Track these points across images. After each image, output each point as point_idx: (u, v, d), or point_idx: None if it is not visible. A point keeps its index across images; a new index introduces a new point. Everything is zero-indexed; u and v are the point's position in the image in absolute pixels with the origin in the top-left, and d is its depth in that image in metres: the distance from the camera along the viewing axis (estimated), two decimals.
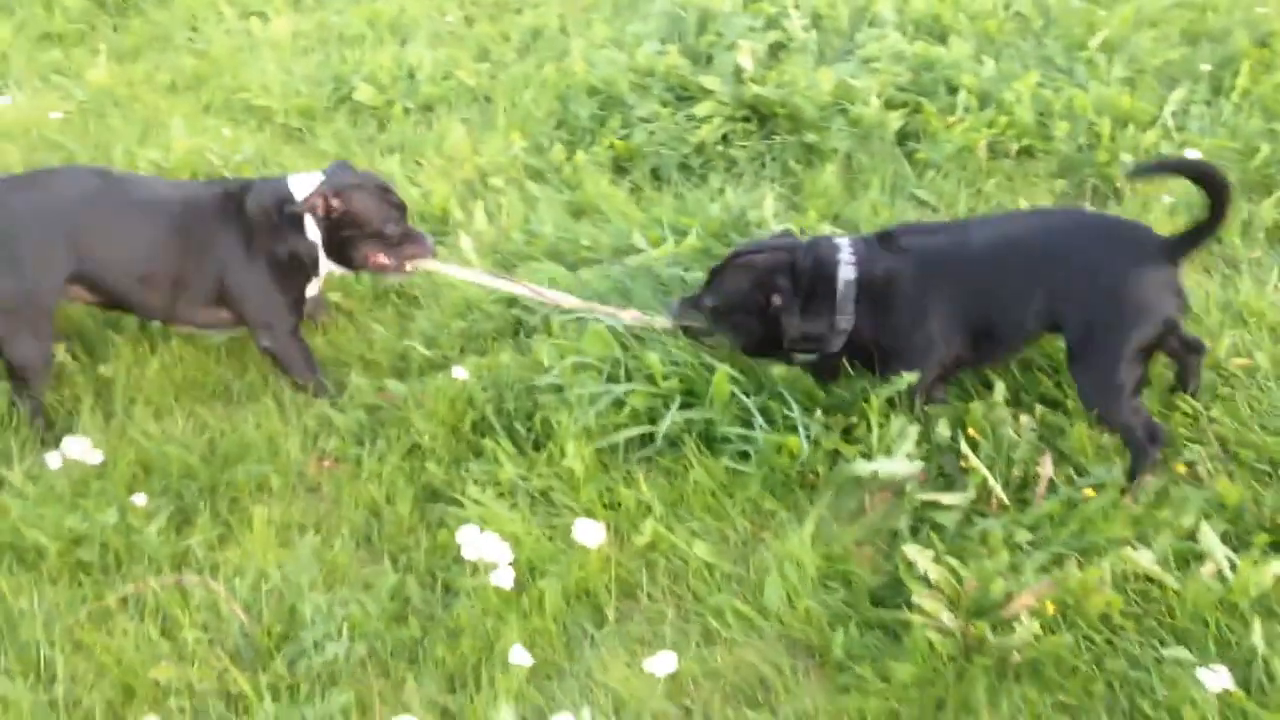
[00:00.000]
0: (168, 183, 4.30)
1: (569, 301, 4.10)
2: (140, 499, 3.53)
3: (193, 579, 3.33)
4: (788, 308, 3.73)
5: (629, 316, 4.00)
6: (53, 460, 3.62)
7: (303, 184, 3.94)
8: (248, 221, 3.92)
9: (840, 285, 3.71)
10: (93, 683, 3.09)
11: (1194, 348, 3.81)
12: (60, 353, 4.05)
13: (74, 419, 3.89)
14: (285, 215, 3.89)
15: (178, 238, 3.91)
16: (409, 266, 4.05)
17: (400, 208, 4.00)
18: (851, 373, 3.79)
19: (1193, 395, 3.81)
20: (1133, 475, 3.51)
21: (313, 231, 3.93)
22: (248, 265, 3.92)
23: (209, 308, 3.99)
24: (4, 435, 3.79)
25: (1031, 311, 3.63)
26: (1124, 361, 3.51)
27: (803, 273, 3.75)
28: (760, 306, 3.75)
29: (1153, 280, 3.50)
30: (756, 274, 3.78)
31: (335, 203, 3.87)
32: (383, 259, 4.01)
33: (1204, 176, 3.49)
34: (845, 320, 3.74)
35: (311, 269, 4.00)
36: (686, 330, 3.89)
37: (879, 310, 3.72)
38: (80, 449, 3.62)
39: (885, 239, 3.80)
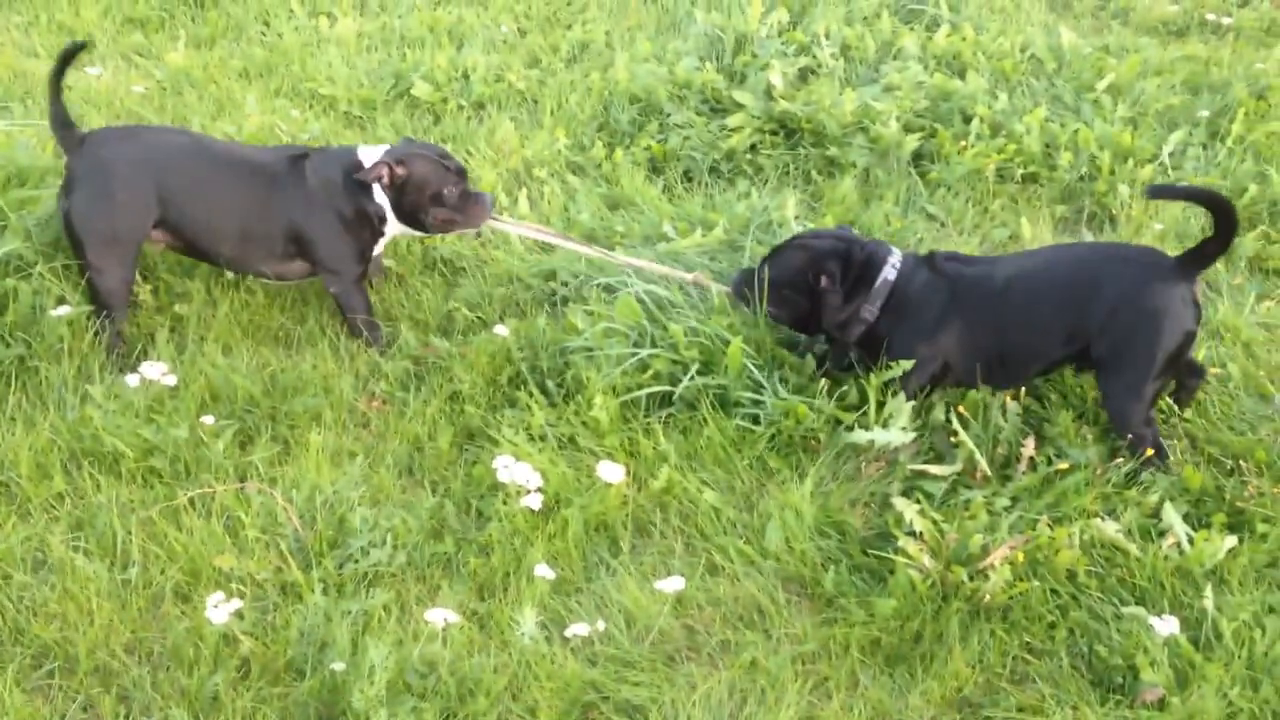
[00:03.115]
0: (245, 146, 4.71)
1: (633, 261, 4.49)
2: (208, 419, 3.92)
3: (254, 486, 3.71)
4: (833, 290, 4.06)
5: (691, 277, 4.41)
6: (131, 380, 4.00)
7: (370, 154, 4.35)
8: (315, 182, 4.32)
9: (878, 282, 4.06)
10: (164, 566, 3.47)
11: (1196, 372, 4.14)
12: (143, 292, 4.44)
13: (149, 350, 4.28)
14: (353, 181, 4.29)
15: (251, 194, 4.32)
16: (477, 227, 4.46)
17: (459, 171, 4.38)
18: (858, 369, 4.15)
19: (1181, 410, 4.16)
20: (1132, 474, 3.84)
21: (380, 196, 4.33)
22: (318, 219, 4.32)
23: (280, 261, 4.40)
24: (89, 357, 4.18)
25: (1057, 340, 3.95)
26: (1151, 373, 3.83)
27: (853, 262, 4.09)
28: (809, 286, 4.09)
29: (1174, 296, 3.80)
30: (812, 255, 4.11)
31: (399, 170, 4.27)
32: (447, 217, 4.39)
33: (1216, 205, 3.78)
34: (869, 312, 4.07)
35: (379, 227, 4.40)
36: (743, 300, 4.24)
37: (900, 315, 4.07)
38: (157, 371, 4.01)
39: (928, 259, 4.14)
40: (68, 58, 4.29)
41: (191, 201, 4.26)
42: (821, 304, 4.09)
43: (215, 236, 4.33)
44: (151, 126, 4.77)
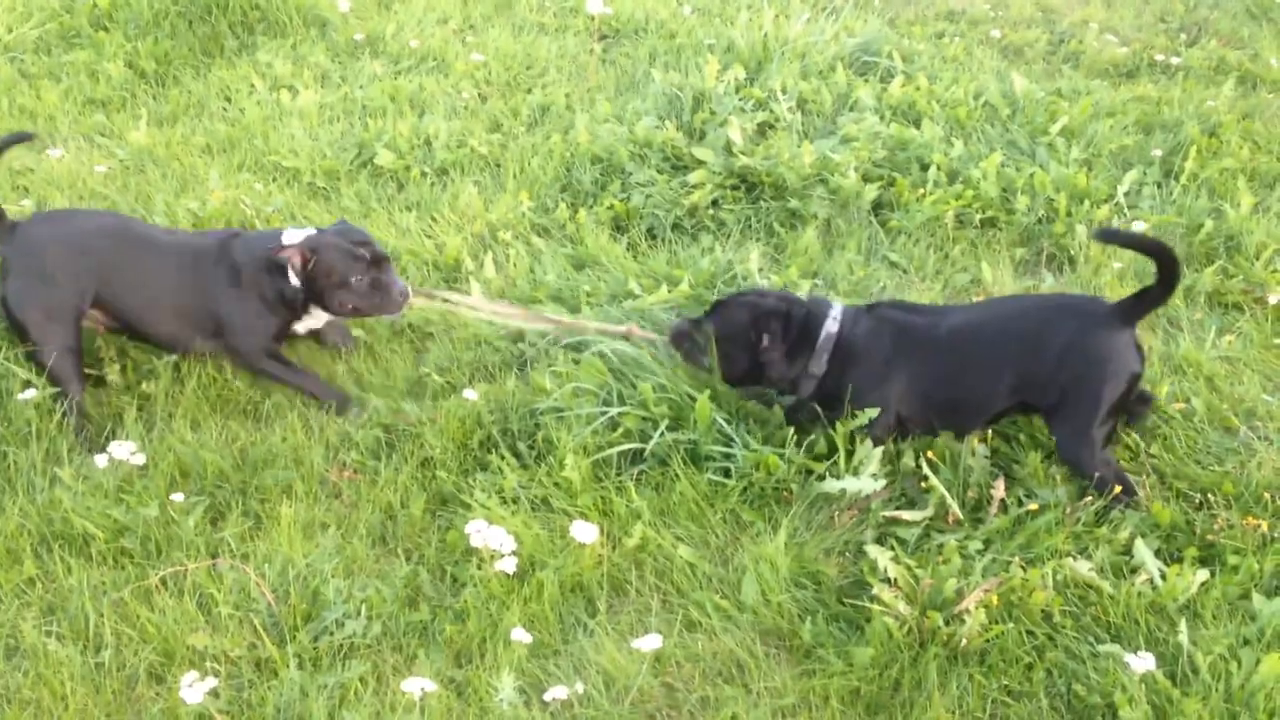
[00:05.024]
0: (167, 229, 4.82)
1: (564, 321, 4.57)
2: (178, 497, 3.90)
3: (226, 563, 3.69)
4: (774, 348, 4.14)
5: (625, 330, 4.46)
6: (100, 460, 3.99)
7: (294, 238, 4.38)
8: (238, 262, 4.39)
9: (821, 337, 4.13)
10: (137, 648, 3.44)
11: (1144, 399, 4.23)
12: (111, 371, 4.46)
13: (118, 430, 4.27)
14: (269, 263, 4.36)
15: (178, 275, 4.39)
16: (385, 315, 4.50)
17: (374, 260, 4.37)
18: (823, 420, 4.18)
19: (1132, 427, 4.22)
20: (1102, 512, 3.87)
21: (295, 279, 4.37)
22: (234, 298, 4.39)
23: (209, 338, 4.47)
24: (56, 439, 4.17)
25: (1001, 390, 4.01)
26: (1099, 418, 3.89)
27: (794, 321, 4.16)
28: (751, 343, 4.15)
29: (1116, 342, 3.89)
30: (755, 314, 4.18)
31: (309, 255, 4.32)
32: (354, 304, 4.40)
33: (1161, 257, 3.85)
34: (817, 367, 4.14)
35: (300, 309, 4.45)
36: (678, 348, 4.29)
37: (848, 366, 4.13)
38: (125, 451, 3.99)
39: (871, 309, 4.21)
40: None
41: (124, 281, 4.35)
42: (763, 362, 4.16)
43: (149, 316, 4.42)
44: (83, 210, 4.88)
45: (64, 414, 4.22)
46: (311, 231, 4.43)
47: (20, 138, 4.66)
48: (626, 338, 4.45)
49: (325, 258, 4.33)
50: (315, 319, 4.54)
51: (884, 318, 4.15)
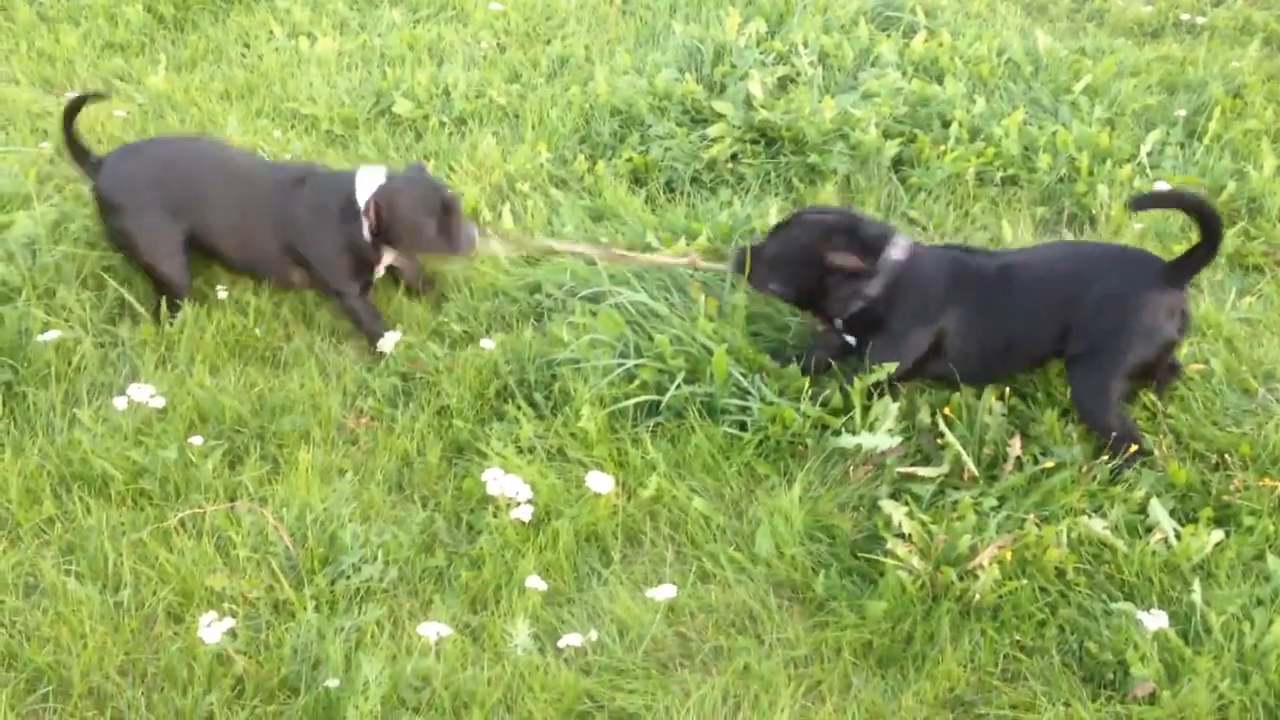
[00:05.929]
0: (257, 160, 4.93)
1: (631, 255, 4.62)
2: (197, 440, 3.92)
3: (244, 506, 3.72)
4: (846, 260, 4.04)
5: (687, 260, 4.53)
6: (119, 403, 4.01)
7: (367, 182, 4.43)
8: (312, 207, 4.47)
9: (884, 260, 4.06)
10: (155, 588, 3.47)
11: (1174, 369, 4.20)
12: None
13: (140, 372, 4.30)
14: (349, 210, 4.41)
15: (251, 209, 4.50)
16: (455, 256, 4.58)
17: (443, 206, 4.41)
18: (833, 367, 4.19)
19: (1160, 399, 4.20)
20: (1112, 474, 3.86)
21: (368, 232, 4.43)
22: (315, 240, 4.47)
23: (285, 270, 4.59)
24: (76, 381, 4.20)
25: (1051, 332, 3.98)
26: (1120, 375, 3.89)
27: (859, 238, 4.08)
28: (816, 259, 4.08)
29: (1160, 304, 3.86)
30: (820, 230, 4.13)
31: (382, 211, 4.36)
32: (420, 251, 4.55)
33: (1200, 211, 3.82)
34: (872, 289, 4.07)
35: (373, 253, 4.50)
36: (739, 271, 4.28)
37: (902, 298, 4.08)
38: (144, 394, 4.01)
39: (931, 249, 4.17)
40: (79, 104, 4.58)
41: (202, 207, 4.51)
42: (829, 276, 4.09)
43: (221, 241, 4.56)
44: (163, 140, 5.10)
45: (80, 358, 4.27)
46: (383, 177, 4.45)
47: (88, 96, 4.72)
48: (692, 267, 4.53)
49: (397, 210, 4.38)
50: (385, 263, 4.64)
51: (944, 257, 4.12)
